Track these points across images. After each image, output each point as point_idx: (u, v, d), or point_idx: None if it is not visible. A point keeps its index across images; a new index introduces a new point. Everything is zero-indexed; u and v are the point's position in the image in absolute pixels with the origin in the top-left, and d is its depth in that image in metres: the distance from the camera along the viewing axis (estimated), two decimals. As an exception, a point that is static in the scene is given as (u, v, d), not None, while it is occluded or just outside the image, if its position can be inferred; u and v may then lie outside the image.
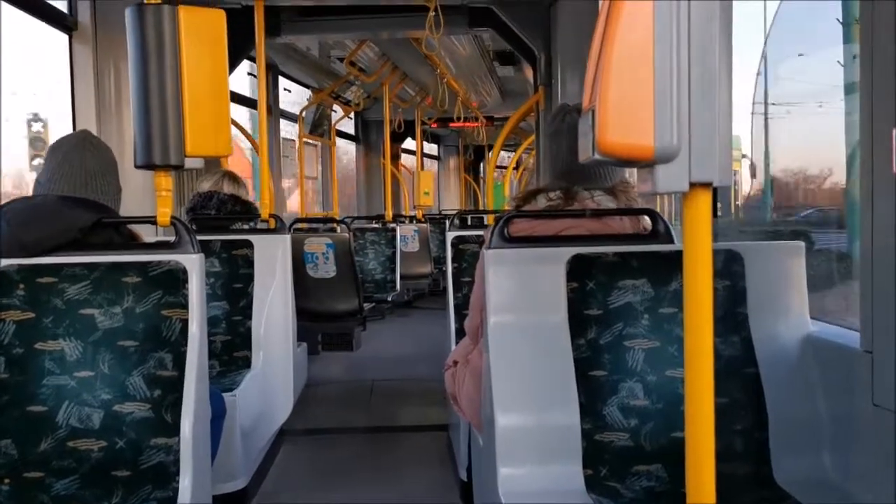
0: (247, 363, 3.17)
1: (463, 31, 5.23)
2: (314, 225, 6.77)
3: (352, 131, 10.57)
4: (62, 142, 2.21)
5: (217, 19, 1.81)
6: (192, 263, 1.99)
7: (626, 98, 0.92)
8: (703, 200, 0.95)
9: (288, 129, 7.75)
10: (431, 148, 14.33)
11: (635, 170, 1.13)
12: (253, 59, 5.35)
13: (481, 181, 16.05)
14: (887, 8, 1.50)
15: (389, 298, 7.18)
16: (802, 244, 1.97)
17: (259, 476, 3.18)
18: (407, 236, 8.10)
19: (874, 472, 1.61)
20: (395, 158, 11.04)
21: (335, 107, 8.76)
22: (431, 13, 3.97)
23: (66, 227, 2.01)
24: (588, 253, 1.92)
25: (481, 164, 16.15)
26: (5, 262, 1.96)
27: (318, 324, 5.46)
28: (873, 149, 1.57)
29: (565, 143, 2.10)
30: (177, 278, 1.98)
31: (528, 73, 7.33)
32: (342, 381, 5.06)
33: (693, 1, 0.91)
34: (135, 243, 2.23)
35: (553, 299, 1.91)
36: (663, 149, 0.92)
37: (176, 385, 1.92)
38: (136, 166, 1.81)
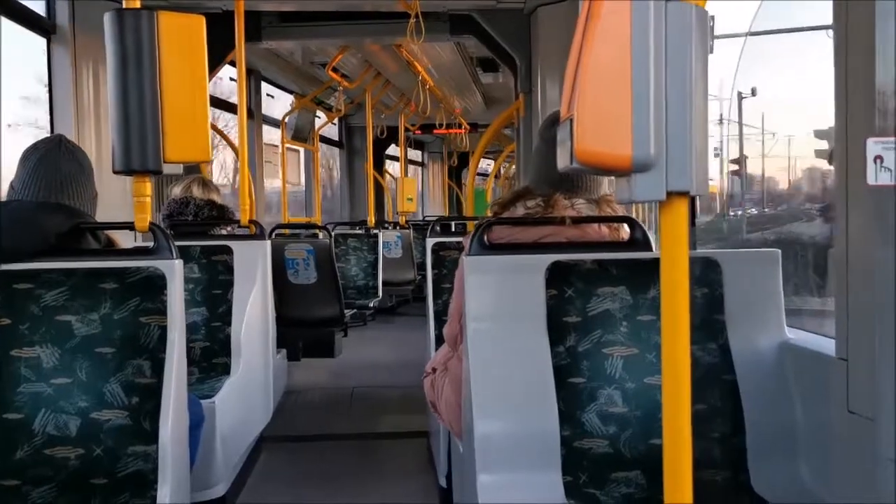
0: (226, 370, 3.15)
1: (444, 38, 5.24)
2: (296, 231, 6.74)
3: (336, 137, 10.55)
4: (37, 146, 2.19)
5: (196, 25, 1.80)
6: (171, 269, 1.97)
7: (603, 108, 0.93)
8: (680, 209, 0.96)
9: (271, 135, 7.73)
10: (415, 154, 14.33)
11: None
12: (234, 64, 5.33)
13: (464, 187, 16.08)
14: (861, 14, 1.51)
15: (372, 305, 7.15)
16: (778, 252, 1.99)
17: (238, 483, 3.16)
18: (390, 242, 8.08)
19: (850, 478, 1.62)
20: (380, 164, 11.03)
21: (318, 112, 8.75)
22: (412, 20, 3.97)
23: (43, 233, 1.99)
24: (567, 260, 1.93)
25: (463, 171, 16.19)
26: None
27: (299, 330, 5.44)
28: (847, 158, 1.58)
29: None
30: (155, 284, 1.96)
31: (511, 80, 7.36)
32: (323, 387, 5.04)
33: (670, 12, 0.92)
34: (112, 249, 2.21)
35: (532, 306, 1.91)
36: (640, 158, 0.93)
37: (154, 392, 1.91)
38: (115, 171, 1.80)
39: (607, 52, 0.93)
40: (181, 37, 1.77)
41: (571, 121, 0.97)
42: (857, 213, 1.56)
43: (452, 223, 5.62)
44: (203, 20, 1.80)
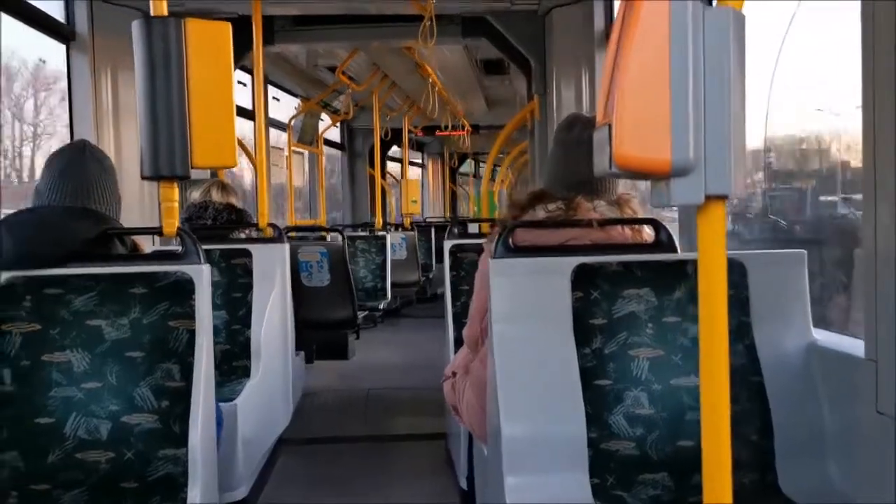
0: (246, 372, 3.16)
1: (456, 40, 5.23)
2: (304, 233, 6.76)
3: (337, 140, 10.56)
4: (61, 151, 2.21)
5: (222, 31, 1.81)
6: (199, 274, 1.99)
7: (642, 113, 0.93)
8: (718, 213, 0.97)
9: (273, 138, 7.75)
10: (415, 156, 14.36)
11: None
12: (243, 69, 5.35)
13: (459, 188, 16.24)
14: (888, 8, 1.51)
15: (381, 307, 7.17)
16: (804, 252, 1.99)
17: (259, 485, 3.17)
18: (395, 244, 8.10)
19: (879, 479, 1.63)
20: (382, 166, 11.04)
21: (322, 115, 8.77)
22: (426, 22, 3.97)
23: (72, 239, 2.00)
24: (592, 262, 1.93)
25: (457, 173, 16.35)
26: (11, 273, 1.95)
27: (313, 332, 5.44)
28: (875, 154, 1.58)
29: (585, 153, 2.07)
30: (184, 289, 1.98)
31: (516, 82, 7.33)
32: (338, 389, 5.06)
33: (708, 16, 0.92)
34: (140, 254, 2.23)
35: (558, 309, 1.91)
36: (680, 162, 0.93)
37: (183, 396, 1.92)
38: (143, 177, 1.81)
39: (645, 57, 0.93)
40: (208, 43, 1.78)
41: (609, 126, 0.97)
42: (886, 209, 1.56)
43: (456, 226, 5.59)
44: (229, 26, 1.81)
